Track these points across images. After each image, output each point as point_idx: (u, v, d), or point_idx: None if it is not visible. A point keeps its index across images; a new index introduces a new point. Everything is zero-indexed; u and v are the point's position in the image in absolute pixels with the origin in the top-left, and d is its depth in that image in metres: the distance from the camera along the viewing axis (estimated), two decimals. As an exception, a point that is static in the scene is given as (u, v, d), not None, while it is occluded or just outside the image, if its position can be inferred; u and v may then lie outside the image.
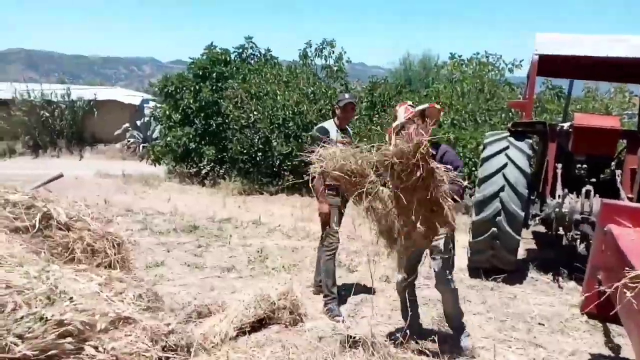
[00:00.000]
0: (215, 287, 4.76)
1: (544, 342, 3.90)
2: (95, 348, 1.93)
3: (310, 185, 4.21)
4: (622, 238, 3.03)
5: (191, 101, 11.90)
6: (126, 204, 8.59)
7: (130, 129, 19.84)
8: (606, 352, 3.84)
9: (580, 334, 4.12)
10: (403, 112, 3.36)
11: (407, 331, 3.37)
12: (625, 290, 2.58)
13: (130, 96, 23.53)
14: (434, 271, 3.48)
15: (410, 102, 3.45)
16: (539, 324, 4.26)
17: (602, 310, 3.21)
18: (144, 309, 2.32)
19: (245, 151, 11.05)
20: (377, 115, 11.36)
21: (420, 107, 3.37)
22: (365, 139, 10.66)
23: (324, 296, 4.32)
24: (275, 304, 3.92)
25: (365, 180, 2.76)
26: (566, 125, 5.55)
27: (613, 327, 4.12)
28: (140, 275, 3.58)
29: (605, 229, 3.28)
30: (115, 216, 7.45)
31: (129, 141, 19.53)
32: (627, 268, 2.59)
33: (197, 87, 11.99)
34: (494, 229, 4.99)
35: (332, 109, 4.49)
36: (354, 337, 3.02)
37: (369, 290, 4.85)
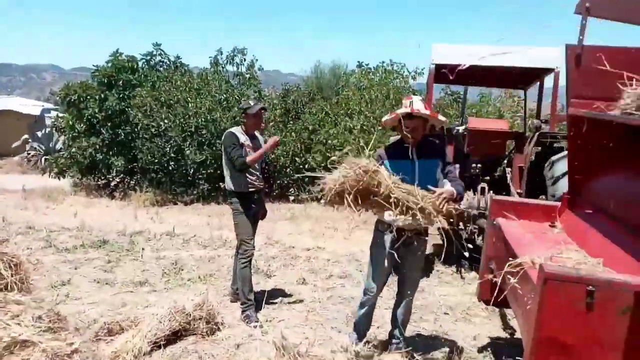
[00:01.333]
0: (128, 303, 4.59)
1: (449, 330, 4.20)
2: (-12, 376, 1.82)
3: (228, 191, 4.21)
4: (507, 230, 3.37)
5: (96, 110, 11.31)
6: (27, 220, 7.96)
7: (30, 140, 18.38)
8: (503, 335, 4.21)
9: (480, 319, 4.48)
10: (420, 105, 3.15)
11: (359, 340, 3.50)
12: (509, 277, 2.87)
13: (29, 106, 21.85)
14: (408, 279, 3.48)
15: (420, 98, 3.31)
16: (444, 313, 4.57)
17: (495, 297, 3.54)
18: (44, 330, 2.20)
19: (156, 160, 10.68)
20: (291, 122, 11.50)
21: (427, 112, 3.19)
22: (280, 144, 10.78)
23: (241, 303, 4.32)
24: (190, 315, 3.87)
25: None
26: (461, 128, 6.02)
27: (509, 312, 4.53)
28: (43, 295, 3.38)
29: (494, 222, 3.62)
30: (14, 234, 6.91)
31: (29, 153, 18.10)
32: (510, 257, 2.89)
33: (103, 96, 11.43)
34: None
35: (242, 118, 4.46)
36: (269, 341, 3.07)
37: (286, 294, 4.94)
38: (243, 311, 4.26)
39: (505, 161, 6.28)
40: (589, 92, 3.18)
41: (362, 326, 3.58)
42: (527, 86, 7.05)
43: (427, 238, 3.44)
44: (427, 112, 3.19)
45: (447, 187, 3.09)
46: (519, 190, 5.66)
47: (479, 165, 5.90)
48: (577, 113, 3.23)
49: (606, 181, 3.29)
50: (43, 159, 16.66)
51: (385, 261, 3.35)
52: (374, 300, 3.50)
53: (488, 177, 5.91)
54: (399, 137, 5.79)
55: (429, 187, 3.07)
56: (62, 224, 7.79)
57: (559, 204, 3.64)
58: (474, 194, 5.67)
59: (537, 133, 5.77)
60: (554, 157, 5.42)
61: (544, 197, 5.21)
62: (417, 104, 3.14)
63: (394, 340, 3.60)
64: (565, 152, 5.30)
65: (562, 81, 6.13)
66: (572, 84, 3.36)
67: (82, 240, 6.76)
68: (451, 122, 7.84)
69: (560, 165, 5.22)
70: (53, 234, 7.14)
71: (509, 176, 5.94)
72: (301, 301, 4.77)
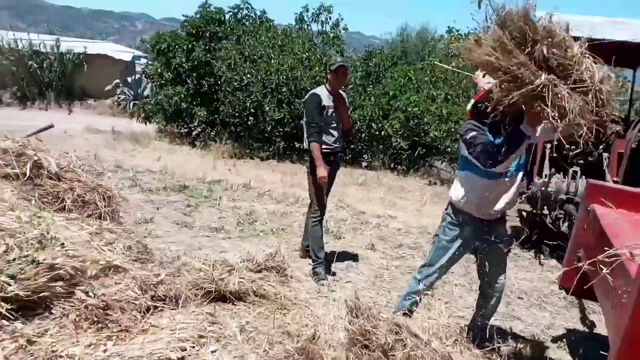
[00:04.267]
0: (204, 246, 4.80)
1: (522, 315, 4.04)
2: (86, 293, 1.97)
3: (303, 149, 4.23)
4: (604, 217, 3.11)
5: (183, 60, 11.69)
6: (115, 160, 8.52)
7: (120, 85, 19.47)
8: (580, 327, 3.98)
9: (557, 309, 4.26)
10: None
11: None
12: (602, 266, 2.67)
13: (122, 52, 23.04)
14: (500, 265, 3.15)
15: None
16: (518, 297, 4.39)
17: (578, 286, 3.32)
18: (133, 259, 2.35)
19: (237, 114, 10.94)
20: (371, 86, 11.28)
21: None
22: (358, 108, 10.66)
23: (312, 260, 4.39)
24: (262, 264, 3.98)
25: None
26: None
27: (589, 305, 4.27)
28: (134, 230, 3.60)
29: (588, 208, 3.36)
30: (105, 171, 7.41)
31: (119, 97, 19.20)
32: (606, 247, 2.67)
33: (190, 46, 11.76)
34: None
35: (326, 75, 4.43)
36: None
37: (355, 257, 4.96)
38: (313, 268, 4.33)
39: (603, 146, 5.78)
40: None
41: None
42: (637, 65, 6.38)
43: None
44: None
45: None
46: (615, 178, 5.22)
47: (572, 147, 5.48)
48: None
49: None
50: (131, 104, 17.65)
51: (456, 257, 2.99)
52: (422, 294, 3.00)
53: (582, 161, 5.48)
54: None
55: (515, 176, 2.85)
56: (146, 167, 8.26)
57: (665, 195, 3.30)
58: (564, 177, 5.31)
59: (645, 117, 5.24)
60: (661, 145, 4.93)
61: (644, 188, 4.76)
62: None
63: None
64: (675, 142, 4.81)
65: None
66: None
67: (165, 183, 7.13)
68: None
69: (667, 155, 4.74)
70: (138, 174, 7.59)
71: (605, 162, 5.48)
72: (369, 266, 4.76)
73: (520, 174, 2.93)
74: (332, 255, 4.67)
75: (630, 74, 7.00)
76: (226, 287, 3.12)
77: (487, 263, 3.06)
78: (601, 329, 3.79)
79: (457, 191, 2.94)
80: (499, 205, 2.86)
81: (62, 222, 2.40)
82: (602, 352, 2.31)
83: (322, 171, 4.15)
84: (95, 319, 1.89)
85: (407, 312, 2.80)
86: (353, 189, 8.21)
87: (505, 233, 3.04)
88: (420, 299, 2.98)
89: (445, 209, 3.10)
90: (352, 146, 10.94)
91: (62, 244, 2.09)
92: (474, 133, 2.72)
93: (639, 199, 3.38)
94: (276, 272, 3.99)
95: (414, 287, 3.07)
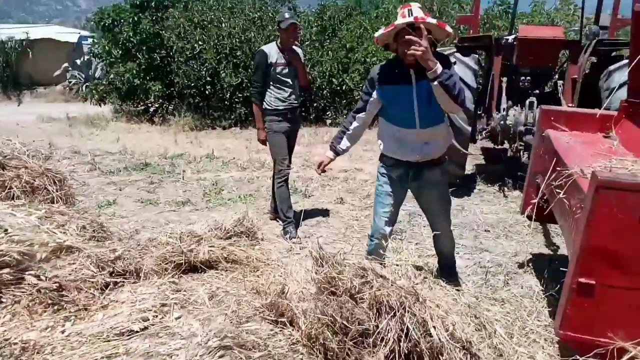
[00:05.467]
0: (171, 221, 4.74)
1: (489, 247, 4.15)
2: (37, 277, 1.90)
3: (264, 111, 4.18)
4: (557, 141, 3.16)
5: (131, 34, 11.18)
6: (72, 146, 8.26)
7: (70, 68, 18.62)
8: (546, 251, 4.12)
9: (522, 237, 4.39)
10: (421, 12, 2.56)
11: None
12: (557, 188, 2.73)
13: (67, 34, 21.92)
14: (438, 210, 3.02)
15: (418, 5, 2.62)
16: (485, 230, 4.50)
17: (539, 212, 3.41)
18: (88, 238, 2.28)
19: (193, 84, 10.62)
20: (327, 40, 11.07)
21: (433, 21, 2.59)
22: (316, 64, 10.48)
23: (281, 221, 4.38)
24: (231, 231, 3.95)
25: None
26: (511, 38, 5.57)
27: (552, 229, 4.41)
28: (88, 210, 3.50)
29: (543, 134, 3.41)
30: (61, 158, 7.17)
31: (70, 82, 18.39)
32: (560, 169, 2.72)
33: (136, 19, 11.23)
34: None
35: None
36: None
37: (325, 213, 4.98)
38: (283, 228, 4.33)
39: (557, 74, 5.85)
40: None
41: None
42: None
43: (445, 167, 2.95)
44: (433, 21, 2.58)
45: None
46: (570, 104, 5.31)
47: (528, 78, 5.52)
48: (645, 9, 2.89)
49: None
50: (84, 87, 16.95)
51: (391, 197, 2.93)
52: (380, 246, 2.93)
53: (537, 91, 5.54)
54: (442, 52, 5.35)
55: (431, 126, 2.73)
56: (105, 149, 8.03)
57: (615, 113, 3.37)
58: (522, 109, 5.37)
59: (595, 40, 5.29)
60: (611, 67, 5.01)
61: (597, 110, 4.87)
62: (418, 11, 2.53)
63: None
64: (625, 62, 4.88)
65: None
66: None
67: (125, 164, 6.96)
68: (500, 34, 7.30)
69: (618, 76, 4.83)
70: (97, 157, 7.37)
71: (560, 89, 5.55)
72: (339, 219, 4.79)
73: (438, 126, 2.79)
74: (301, 214, 4.67)
75: (580, 1, 7.03)
76: (196, 257, 3.09)
77: (424, 208, 3.06)
78: (564, 250, 3.93)
79: (379, 137, 2.95)
80: (418, 150, 2.78)
81: (7, 209, 2.30)
82: (563, 269, 2.39)
83: (260, 134, 4.30)
84: (50, 301, 1.83)
85: (376, 257, 2.81)
86: (319, 148, 8.17)
87: (438, 177, 2.87)
88: (387, 243, 3.00)
89: None
90: (314, 104, 10.81)
91: (6, 230, 2.01)
92: None
93: (590, 119, 3.46)
94: (246, 236, 3.96)
95: (370, 243, 3.06)
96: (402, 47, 2.58)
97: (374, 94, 2.84)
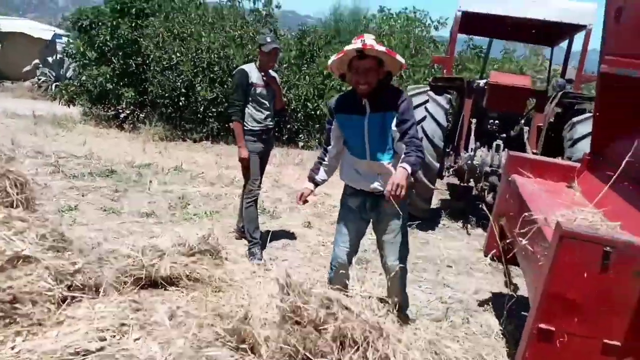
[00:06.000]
0: (134, 232, 4.61)
1: (451, 282, 4.21)
2: (-10, 287, 1.81)
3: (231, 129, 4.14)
4: (523, 186, 3.28)
5: (108, 38, 11.04)
6: (36, 145, 7.95)
7: (40, 65, 18.14)
8: (505, 290, 4.20)
9: (483, 274, 4.48)
10: (373, 41, 2.55)
11: None
12: (521, 233, 2.82)
13: (41, 30, 21.39)
14: (388, 244, 2.96)
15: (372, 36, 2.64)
16: (448, 266, 4.57)
17: (502, 253, 3.51)
18: (47, 248, 2.19)
19: (167, 95, 10.51)
20: (305, 65, 11.20)
21: (382, 49, 2.56)
22: (293, 88, 10.57)
23: (247, 241, 4.34)
24: (195, 247, 3.87)
25: None
26: (482, 82, 5.80)
27: (513, 269, 4.52)
28: (49, 217, 3.37)
29: (509, 178, 3.53)
30: (23, 158, 6.90)
31: (39, 79, 17.89)
32: (525, 213, 2.81)
33: (115, 23, 11.10)
34: (410, 178, 5.14)
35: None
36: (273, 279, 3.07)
37: (291, 236, 4.95)
38: (248, 249, 4.28)
39: (523, 120, 6.10)
40: (625, 49, 2.99)
41: None
42: (555, 43, 6.75)
43: (406, 200, 2.88)
44: (382, 48, 2.56)
45: (397, 173, 2.50)
46: (534, 150, 5.53)
47: (496, 121, 5.73)
48: (610, 71, 3.06)
49: (631, 144, 3.16)
50: (53, 86, 16.50)
51: (350, 226, 2.94)
52: (340, 275, 2.93)
53: (504, 135, 5.75)
54: (417, 89, 5.46)
55: (380, 159, 2.73)
56: (70, 152, 7.78)
57: (578, 164, 3.53)
58: (489, 151, 5.55)
59: (561, 92, 5.56)
60: (575, 119, 5.25)
61: (560, 159, 5.08)
62: (370, 40, 2.54)
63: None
64: (588, 115, 5.14)
65: (591, 44, 5.89)
66: (609, 39, 3.16)
67: (90, 169, 6.76)
68: (471, 77, 7.58)
69: (582, 128, 5.06)
70: (61, 160, 7.13)
71: (525, 135, 5.78)
72: (306, 243, 4.78)
73: (389, 161, 2.77)
74: (268, 235, 4.64)
75: (549, 53, 7.40)
76: (157, 272, 3.01)
77: (378, 239, 3.02)
78: (523, 291, 4.02)
79: (340, 164, 2.99)
80: (371, 180, 2.80)
81: (-38, 212, 2.19)
82: (524, 313, 2.45)
83: (242, 152, 4.20)
84: (2, 314, 1.74)
85: (341, 287, 2.80)
86: (290, 169, 8.18)
87: (394, 211, 2.74)
88: (347, 273, 3.00)
89: None
90: (288, 126, 10.85)
91: (-40, 235, 1.91)
92: None
93: (554, 169, 3.61)
94: (210, 254, 3.89)
95: (330, 272, 3.06)
96: (354, 77, 2.62)
97: (334, 123, 2.87)
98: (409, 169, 2.52)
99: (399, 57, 2.63)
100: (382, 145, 2.74)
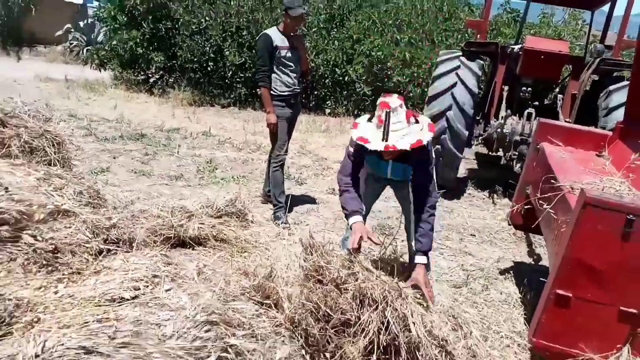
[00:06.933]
0: (163, 194, 4.76)
1: (473, 251, 4.24)
2: (34, 237, 1.94)
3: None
4: (551, 155, 3.24)
5: (138, 2, 11.06)
6: (69, 109, 8.20)
7: (72, 30, 18.36)
8: (527, 260, 4.22)
9: (506, 244, 4.48)
10: (398, 135, 2.46)
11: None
12: (546, 202, 2.81)
13: (71, -7, 21.53)
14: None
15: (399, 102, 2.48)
16: (471, 235, 4.59)
17: (526, 222, 3.50)
18: (84, 204, 2.31)
19: (195, 59, 10.56)
20: (335, 30, 11.03)
21: (406, 147, 2.46)
22: (321, 53, 10.46)
23: (273, 205, 4.43)
24: (222, 210, 3.99)
25: None
26: (517, 47, 5.62)
27: (536, 239, 4.51)
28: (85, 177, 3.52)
29: (538, 146, 3.48)
30: (57, 120, 7.12)
31: (71, 43, 18.13)
32: (551, 183, 2.79)
33: (145, -13, 11.10)
34: (438, 146, 5.12)
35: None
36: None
37: (316, 202, 5.03)
38: (274, 212, 4.38)
39: (558, 88, 5.93)
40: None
41: None
42: (595, 6, 6.44)
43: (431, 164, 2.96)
44: (407, 145, 2.44)
45: (418, 274, 2.56)
46: (567, 119, 5.39)
47: (529, 89, 5.58)
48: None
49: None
50: (85, 50, 16.74)
51: (368, 190, 3.11)
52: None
53: (537, 103, 5.61)
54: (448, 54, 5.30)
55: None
56: (102, 115, 7.99)
57: (610, 133, 3.45)
58: (519, 119, 5.44)
59: (599, 59, 5.36)
60: (612, 87, 5.08)
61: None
62: (395, 137, 2.43)
63: None
64: (625, 83, 4.96)
65: (635, 9, 5.61)
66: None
67: (121, 132, 6.94)
68: (506, 42, 7.34)
69: (618, 96, 4.90)
70: (93, 123, 7.34)
71: (559, 103, 5.62)
72: (330, 209, 4.85)
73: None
74: (293, 200, 4.72)
75: (589, 17, 7.08)
76: (185, 232, 3.13)
77: (400, 202, 3.27)
78: (545, 261, 4.03)
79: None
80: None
81: (6, 167, 2.32)
82: (542, 279, 2.48)
83: (271, 117, 4.22)
84: (45, 262, 1.87)
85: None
86: (316, 136, 8.20)
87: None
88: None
89: None
90: (315, 92, 10.80)
91: (6, 188, 2.03)
92: None
93: (585, 137, 3.53)
94: (236, 217, 4.01)
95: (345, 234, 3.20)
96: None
97: (357, 157, 2.80)
98: (426, 260, 2.66)
99: (425, 141, 2.52)
100: (403, 175, 2.97)
